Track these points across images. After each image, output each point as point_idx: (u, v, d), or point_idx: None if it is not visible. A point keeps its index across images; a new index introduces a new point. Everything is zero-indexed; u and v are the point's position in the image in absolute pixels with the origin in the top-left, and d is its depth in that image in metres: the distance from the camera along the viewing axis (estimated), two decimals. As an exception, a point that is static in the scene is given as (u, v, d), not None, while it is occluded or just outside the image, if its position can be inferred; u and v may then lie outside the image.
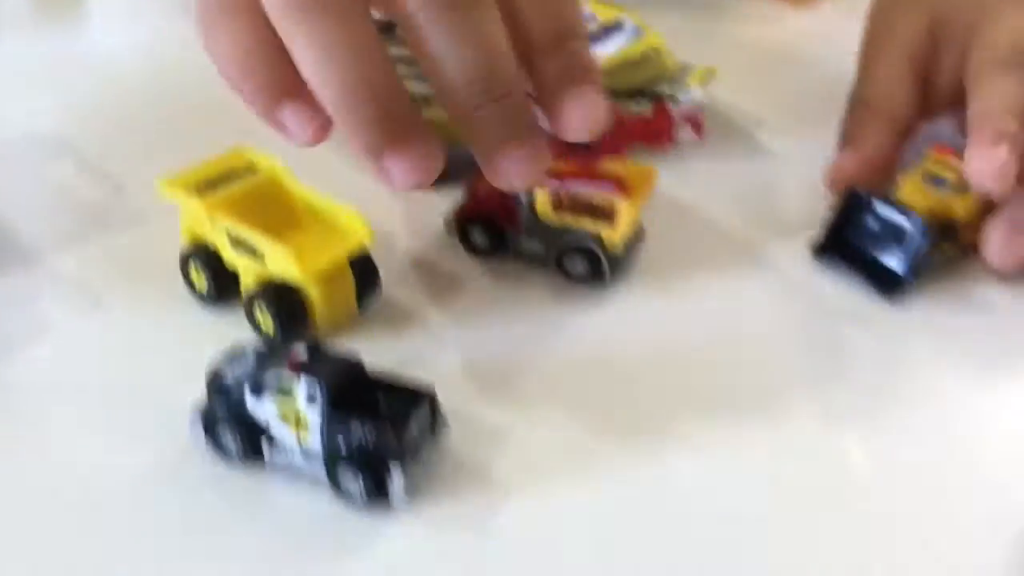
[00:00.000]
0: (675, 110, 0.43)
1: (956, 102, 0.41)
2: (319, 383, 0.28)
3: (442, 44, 0.28)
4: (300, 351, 0.29)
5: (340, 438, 0.28)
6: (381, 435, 0.28)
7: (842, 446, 0.32)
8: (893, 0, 0.45)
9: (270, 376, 0.28)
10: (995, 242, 0.38)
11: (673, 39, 0.46)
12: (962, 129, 0.42)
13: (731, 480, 0.30)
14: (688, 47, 0.46)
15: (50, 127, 0.45)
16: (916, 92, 0.42)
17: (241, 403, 0.29)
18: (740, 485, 0.30)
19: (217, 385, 0.29)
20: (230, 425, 0.29)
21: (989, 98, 0.38)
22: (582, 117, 0.29)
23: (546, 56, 0.29)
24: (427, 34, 0.28)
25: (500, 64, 0.28)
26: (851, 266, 0.38)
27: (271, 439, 0.29)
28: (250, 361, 0.29)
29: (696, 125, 0.43)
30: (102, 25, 0.57)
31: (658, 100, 0.43)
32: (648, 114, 0.43)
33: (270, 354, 0.29)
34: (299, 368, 0.28)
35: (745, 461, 0.31)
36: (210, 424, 0.29)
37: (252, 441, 0.29)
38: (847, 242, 0.39)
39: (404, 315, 0.35)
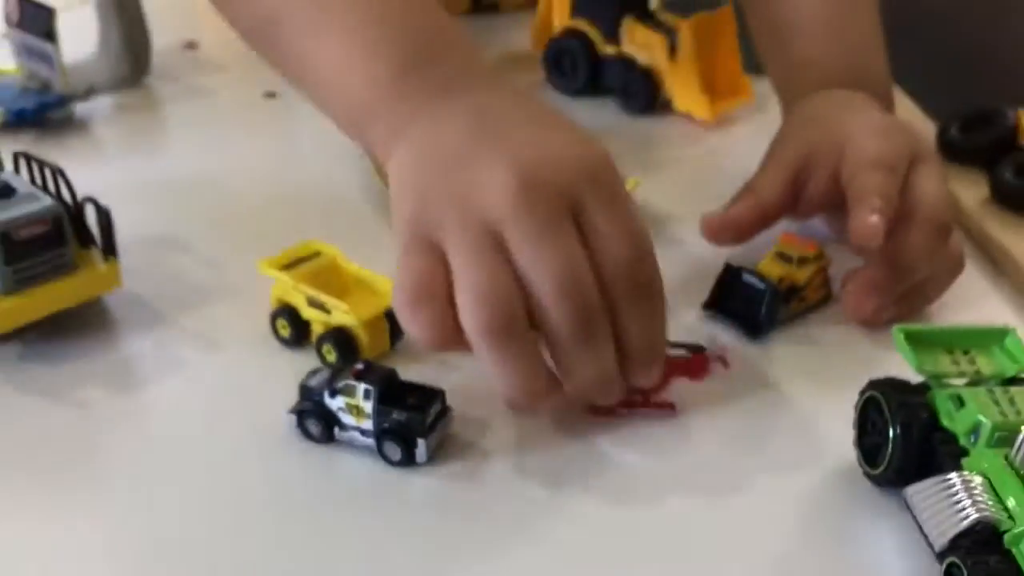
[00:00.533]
0: (709, 353, 0.51)
1: (824, 205, 0.58)
2: (372, 385, 0.44)
3: (572, 362, 0.43)
4: (359, 366, 0.45)
5: (385, 421, 0.44)
6: (411, 419, 0.44)
7: (718, 423, 0.48)
8: (786, 132, 0.61)
9: (340, 383, 0.45)
10: (849, 300, 0.54)
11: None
12: (829, 224, 0.60)
13: (630, 448, 0.47)
14: (625, 163, 0.63)
15: (161, 230, 0.61)
16: (787, 192, 0.57)
17: (321, 401, 0.45)
18: (636, 448, 0.46)
19: (305, 391, 0.46)
20: (314, 417, 0.45)
21: (863, 187, 0.53)
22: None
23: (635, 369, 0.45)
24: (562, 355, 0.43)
25: (610, 373, 0.44)
26: (729, 317, 0.55)
27: (341, 424, 0.45)
28: (326, 374, 0.46)
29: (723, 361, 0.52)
30: (182, 152, 0.75)
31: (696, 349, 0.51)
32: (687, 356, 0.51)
33: (339, 370, 0.46)
34: (359, 376, 0.45)
35: (643, 438, 0.47)
36: (300, 417, 0.46)
37: (328, 427, 0.45)
38: (726, 301, 0.55)
39: (420, 351, 0.52)
